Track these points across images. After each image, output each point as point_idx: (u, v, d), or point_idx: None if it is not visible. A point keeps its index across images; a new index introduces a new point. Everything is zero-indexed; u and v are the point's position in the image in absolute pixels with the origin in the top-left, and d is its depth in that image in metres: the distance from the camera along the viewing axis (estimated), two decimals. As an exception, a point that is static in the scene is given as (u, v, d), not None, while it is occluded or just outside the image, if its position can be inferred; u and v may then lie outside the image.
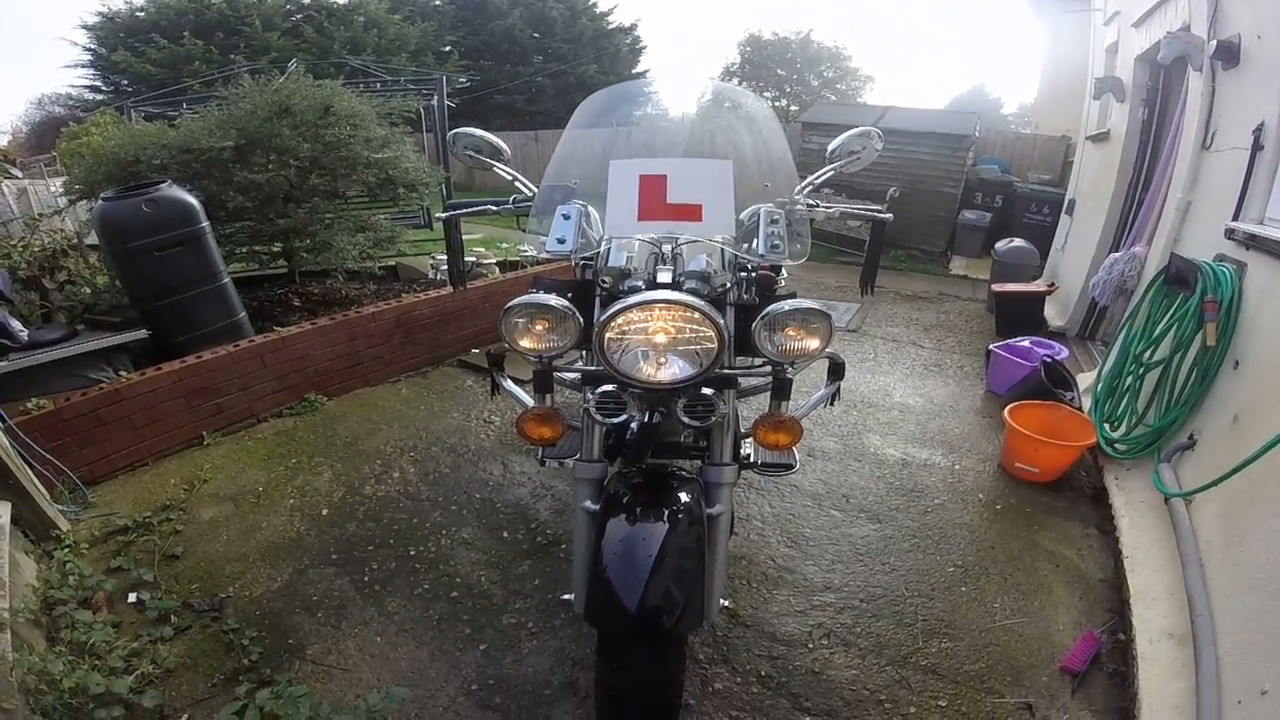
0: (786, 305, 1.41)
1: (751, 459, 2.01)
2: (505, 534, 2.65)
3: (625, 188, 1.59)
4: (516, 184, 2.01)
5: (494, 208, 2.05)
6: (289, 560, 2.46)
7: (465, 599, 2.31)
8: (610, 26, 21.66)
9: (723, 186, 1.58)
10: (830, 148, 2.08)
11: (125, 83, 14.19)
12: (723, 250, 1.54)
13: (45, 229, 3.80)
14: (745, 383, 1.82)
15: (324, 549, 2.53)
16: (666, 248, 1.55)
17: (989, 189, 8.05)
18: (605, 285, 1.47)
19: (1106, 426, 2.99)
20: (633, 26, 22.32)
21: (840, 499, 2.91)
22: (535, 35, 19.82)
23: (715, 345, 1.35)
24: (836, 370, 1.87)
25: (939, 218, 7.91)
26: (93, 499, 2.71)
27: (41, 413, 2.65)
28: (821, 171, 2.00)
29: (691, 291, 1.37)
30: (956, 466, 3.18)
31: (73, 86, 17.17)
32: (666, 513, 1.45)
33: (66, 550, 2.35)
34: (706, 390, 1.45)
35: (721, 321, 1.34)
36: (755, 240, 1.53)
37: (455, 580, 2.39)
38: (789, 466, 2.07)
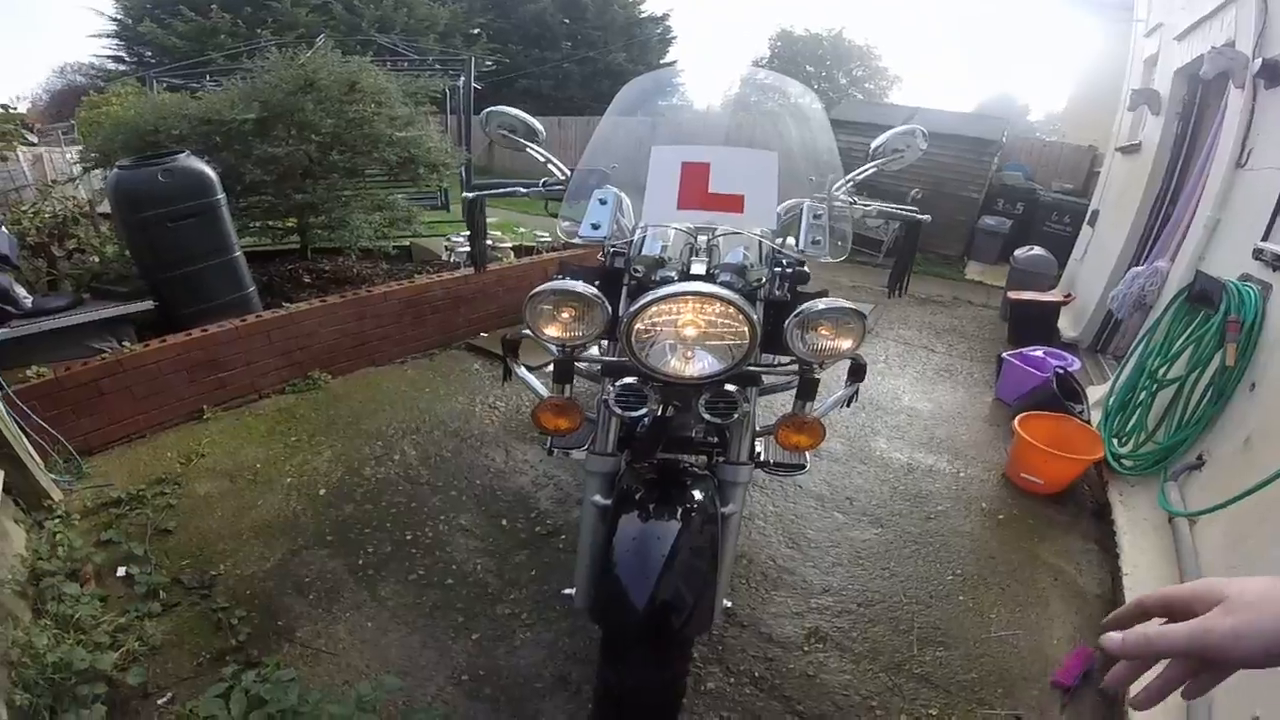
0: (821, 304, 1.34)
1: (763, 457, 1.94)
2: (504, 522, 2.59)
3: (666, 175, 1.52)
4: (549, 167, 1.92)
5: (523, 190, 1.97)
6: (283, 540, 2.41)
7: (460, 587, 2.25)
8: (642, 15, 21.35)
9: (767, 178, 1.52)
10: (874, 145, 2.02)
11: (149, 54, 14.11)
12: (760, 243, 1.47)
13: (58, 196, 3.73)
14: (767, 380, 1.75)
15: (319, 530, 2.47)
16: (703, 239, 1.50)
17: (1011, 195, 7.94)
18: (637, 274, 1.40)
19: (1115, 441, 2.93)
20: (664, 16, 21.94)
21: (844, 501, 2.85)
22: (565, 21, 19.55)
23: (746, 341, 1.29)
24: (858, 371, 1.79)
25: (959, 221, 7.80)
26: (88, 470, 2.66)
27: (41, 381, 2.60)
28: (863, 168, 1.93)
29: (725, 285, 1.31)
30: (961, 474, 3.12)
31: (96, 56, 17.06)
32: (680, 510, 1.39)
33: (58, 521, 2.30)
34: (730, 386, 1.40)
35: (755, 317, 1.27)
36: (795, 235, 1.46)
37: (451, 567, 2.33)
38: (800, 467, 2.01)
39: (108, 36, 15.83)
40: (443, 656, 1.97)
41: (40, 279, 3.24)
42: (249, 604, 2.10)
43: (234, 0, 13.31)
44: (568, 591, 1.67)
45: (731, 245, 1.44)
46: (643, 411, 1.44)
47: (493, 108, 1.97)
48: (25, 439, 2.34)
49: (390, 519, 2.57)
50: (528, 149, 2.04)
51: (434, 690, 1.86)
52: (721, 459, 1.61)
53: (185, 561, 2.26)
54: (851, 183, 1.87)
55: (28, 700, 1.58)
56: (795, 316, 1.34)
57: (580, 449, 1.70)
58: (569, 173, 1.88)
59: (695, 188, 1.51)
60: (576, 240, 1.55)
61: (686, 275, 1.37)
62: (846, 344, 1.39)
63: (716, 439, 1.67)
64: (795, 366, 1.51)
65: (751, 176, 1.52)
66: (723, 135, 2.18)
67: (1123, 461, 2.80)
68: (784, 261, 1.58)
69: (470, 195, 2.01)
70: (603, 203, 1.51)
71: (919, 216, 1.89)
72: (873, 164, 1.99)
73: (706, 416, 1.42)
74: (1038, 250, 5.69)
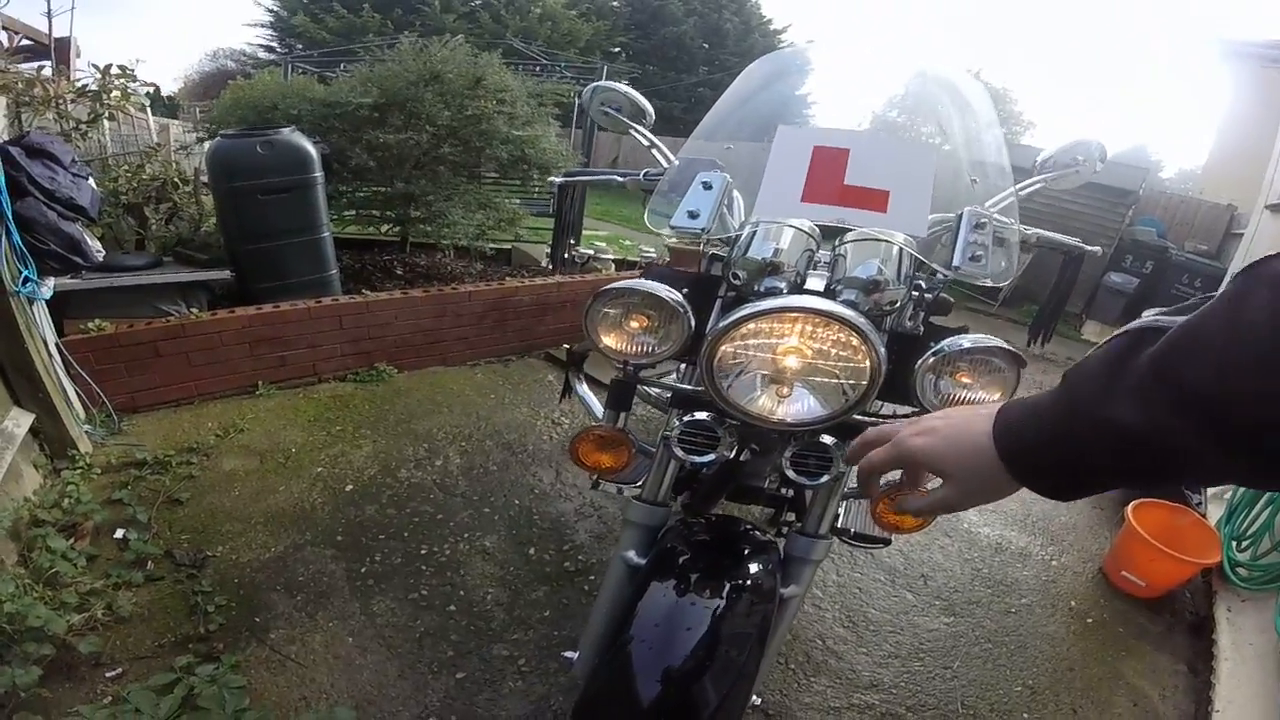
0: (967, 341, 1.09)
1: (842, 523, 1.65)
2: (531, 550, 2.44)
3: (791, 160, 1.30)
4: (653, 152, 1.80)
5: (619, 178, 1.85)
6: (291, 532, 2.39)
7: (461, 616, 2.11)
8: (782, 45, 21.67)
9: (921, 175, 1.27)
10: (1040, 158, 1.79)
11: (300, 46, 15.93)
12: (900, 256, 1.21)
13: (161, 160, 4.14)
14: None
15: (331, 528, 2.44)
16: (823, 254, 1.26)
17: (1141, 253, 7.56)
18: (737, 281, 1.18)
19: (1234, 545, 2.59)
20: (811, 66, 22.31)
21: (918, 579, 2.58)
22: (705, 45, 20.29)
23: (866, 381, 1.06)
24: None
25: (1083, 276, 7.11)
26: (125, 427, 2.81)
27: (98, 334, 2.80)
28: (1030, 181, 1.68)
29: (848, 304, 1.08)
30: (1054, 563, 2.84)
31: (249, 44, 19.66)
32: (729, 586, 1.16)
33: (77, 473, 2.42)
34: (827, 439, 1.17)
35: (881, 351, 1.04)
36: (951, 249, 1.20)
37: (459, 592, 2.21)
38: (886, 541, 1.70)
39: (262, 26, 18.22)
40: (417, 691, 1.83)
41: (129, 237, 3.55)
42: (232, 593, 2.08)
43: (387, 1, 14.82)
44: (569, 655, 1.48)
45: (863, 257, 1.19)
46: (710, 457, 1.22)
47: (598, 83, 1.89)
48: (65, 387, 2.50)
49: (410, 528, 2.49)
50: (631, 130, 1.93)
51: (396, 729, 1.72)
52: (795, 528, 1.36)
53: (185, 536, 2.29)
54: (1014, 197, 1.61)
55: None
56: (933, 355, 1.09)
57: (631, 486, 1.50)
58: (677, 163, 1.73)
59: (827, 178, 1.28)
60: (665, 232, 1.31)
61: (799, 289, 1.15)
62: (994, 395, 1.11)
63: (791, 494, 1.42)
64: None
65: (900, 171, 1.28)
66: (868, 122, 1.99)
67: (1238, 570, 2.55)
68: (923, 285, 1.32)
69: (559, 179, 1.91)
70: (707, 187, 1.27)
71: (1086, 248, 1.60)
72: (1039, 177, 1.77)
73: (790, 474, 1.19)
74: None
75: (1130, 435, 0.49)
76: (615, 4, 20.60)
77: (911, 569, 2.63)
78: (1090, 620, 2.53)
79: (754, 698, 1.39)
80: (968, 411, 0.66)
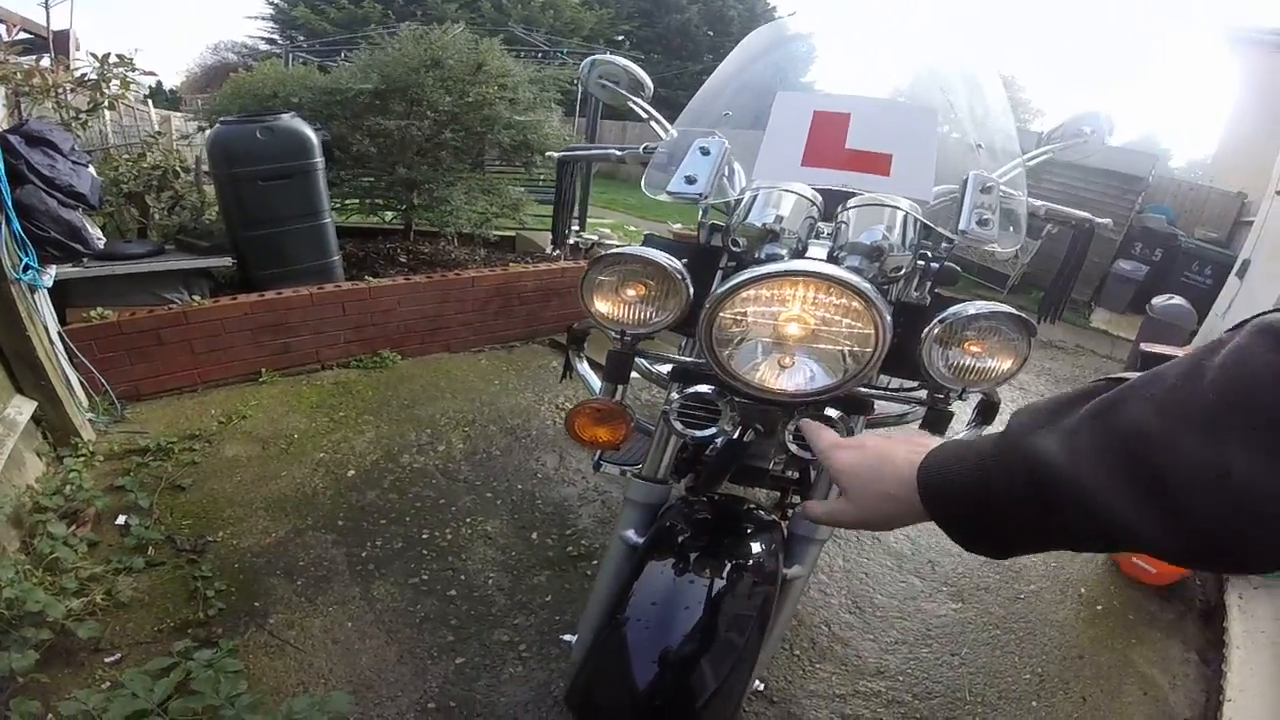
0: (973, 308, 1.04)
1: None
2: (534, 535, 2.42)
3: (791, 126, 1.28)
4: (652, 124, 1.77)
5: (617, 152, 1.82)
6: (292, 517, 2.38)
7: (462, 601, 2.09)
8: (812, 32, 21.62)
9: (923, 138, 1.25)
10: (1048, 129, 1.74)
11: (301, 38, 15.88)
12: (906, 221, 1.15)
13: (163, 148, 4.11)
14: (880, 409, 1.43)
15: (333, 513, 2.42)
16: (826, 226, 1.21)
17: (1151, 240, 7.60)
18: (737, 248, 1.14)
19: None
20: (810, 35, 22.20)
21: (925, 565, 2.54)
22: (710, 33, 20.18)
23: (871, 348, 1.02)
24: (988, 411, 1.45)
25: (1092, 263, 7.28)
26: (127, 415, 2.80)
27: (101, 322, 2.78)
28: (1035, 152, 1.63)
29: (853, 270, 1.03)
30: None
31: (250, 36, 19.69)
32: (730, 566, 1.12)
33: (80, 460, 2.41)
34: (832, 411, 1.12)
35: (887, 317, 1.00)
36: (957, 214, 1.15)
37: (460, 577, 2.19)
38: None
39: (263, 19, 18.19)
40: (416, 677, 1.81)
41: (129, 225, 3.53)
42: (233, 578, 2.06)
43: (388, -9, 14.77)
44: (568, 638, 1.45)
45: (866, 223, 1.13)
46: (711, 431, 1.18)
47: (596, 56, 1.85)
48: (67, 375, 2.49)
49: (412, 513, 2.47)
50: (629, 101, 1.89)
51: (393, 714, 1.70)
52: (799, 506, 1.33)
53: (186, 522, 2.28)
54: (1021, 168, 1.57)
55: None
56: (940, 322, 1.05)
57: (637, 467, 1.44)
58: (675, 134, 1.69)
59: (828, 143, 1.25)
60: (663, 198, 1.27)
61: (801, 256, 1.11)
62: (1005, 364, 1.08)
63: (797, 476, 1.38)
64: (923, 394, 1.21)
65: (903, 134, 1.25)
66: (870, 89, 1.93)
67: None
68: (929, 254, 1.28)
69: (559, 154, 1.88)
70: (704, 152, 1.22)
71: (1096, 220, 1.54)
72: (1046, 148, 1.69)
73: (794, 448, 1.14)
74: (1178, 300, 5.46)
75: (1049, 469, 0.44)
76: (618, -9, 20.45)
77: (919, 554, 2.59)
78: (1100, 607, 2.49)
79: (756, 683, 1.35)
80: (904, 442, 0.62)
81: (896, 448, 0.62)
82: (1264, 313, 0.39)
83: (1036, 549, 0.50)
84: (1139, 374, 0.44)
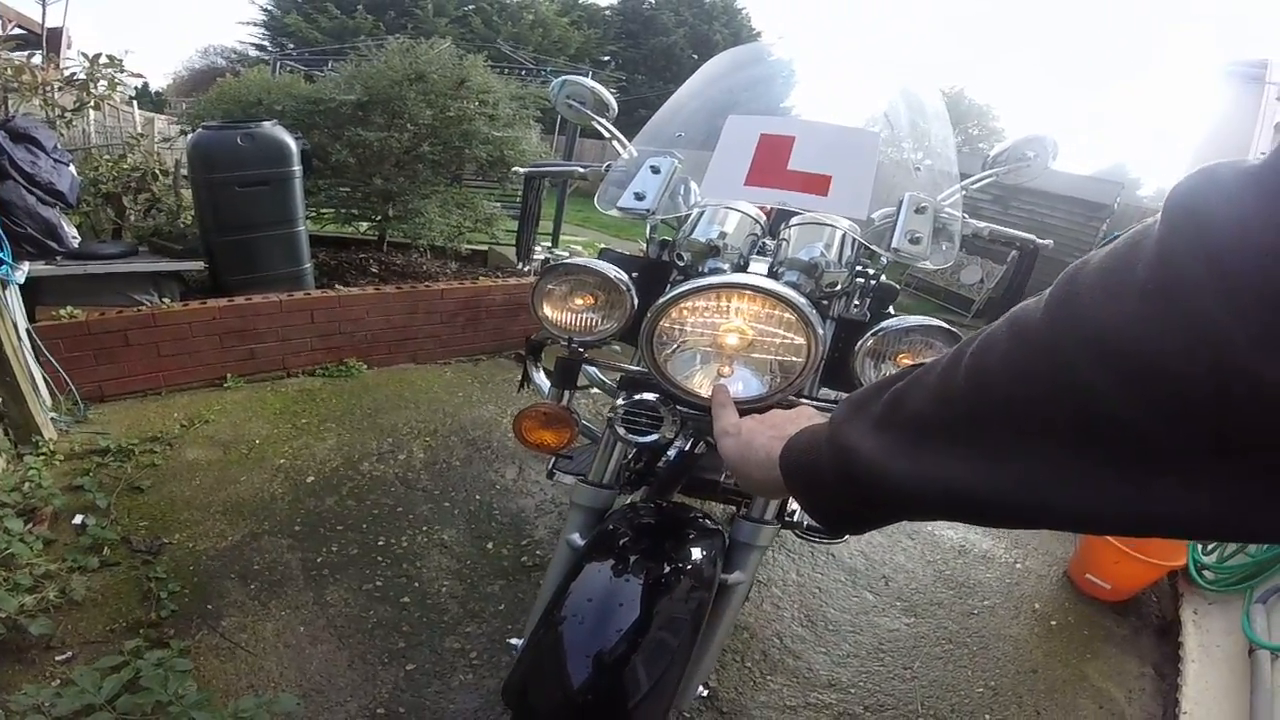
0: (908, 321, 1.12)
1: (796, 518, 1.69)
2: (490, 545, 2.46)
3: (739, 147, 1.34)
4: (614, 144, 1.85)
5: (581, 169, 1.90)
6: (249, 521, 2.39)
7: (415, 608, 2.13)
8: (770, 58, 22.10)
9: (863, 160, 1.31)
10: (994, 152, 1.81)
11: (291, 46, 15.86)
12: (843, 240, 1.23)
13: (143, 150, 4.12)
14: None
15: (290, 518, 2.44)
16: (770, 241, 1.29)
17: None
18: (683, 261, 1.22)
19: (1200, 548, 2.64)
20: (771, 60, 22.74)
21: (879, 580, 2.59)
22: (694, 56, 20.53)
23: (803, 359, 1.08)
24: None
25: (1042, 284, 7.43)
26: (90, 415, 2.80)
27: (70, 321, 2.78)
28: (979, 175, 1.71)
29: (790, 285, 1.11)
30: (1018, 565, 2.83)
31: (240, 42, 19.69)
32: (668, 569, 1.16)
33: (41, 458, 2.41)
34: None
35: (820, 330, 1.06)
36: (890, 232, 1.24)
37: (414, 584, 2.22)
38: (839, 536, 1.74)
39: (255, 25, 18.16)
40: (366, 682, 1.84)
41: (105, 226, 3.53)
42: (186, 579, 2.08)
43: (380, 4, 14.79)
44: (515, 642, 1.47)
45: (805, 241, 1.22)
46: (653, 438, 1.23)
47: (566, 76, 1.93)
48: (33, 373, 2.49)
49: (369, 520, 2.50)
50: (594, 121, 1.97)
51: (342, 719, 1.73)
52: (740, 514, 1.37)
53: (144, 523, 2.29)
54: (964, 192, 1.66)
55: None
56: (872, 336, 1.12)
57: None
58: (636, 153, 1.77)
59: (772, 163, 1.31)
60: (613, 213, 1.34)
61: (742, 269, 1.18)
62: None
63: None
64: None
65: (843, 156, 1.31)
66: (822, 114, 2.02)
67: (1204, 573, 2.57)
68: (870, 272, 1.35)
69: (524, 170, 1.94)
70: (655, 170, 1.30)
71: (1038, 241, 1.64)
72: (990, 171, 1.78)
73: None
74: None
75: (855, 453, 0.48)
76: (607, 13, 20.75)
77: (873, 570, 2.64)
78: (1054, 623, 2.54)
79: (700, 688, 1.41)
80: (769, 427, 0.67)
81: (757, 436, 0.67)
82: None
83: (877, 524, 0.55)
84: (928, 361, 0.49)
